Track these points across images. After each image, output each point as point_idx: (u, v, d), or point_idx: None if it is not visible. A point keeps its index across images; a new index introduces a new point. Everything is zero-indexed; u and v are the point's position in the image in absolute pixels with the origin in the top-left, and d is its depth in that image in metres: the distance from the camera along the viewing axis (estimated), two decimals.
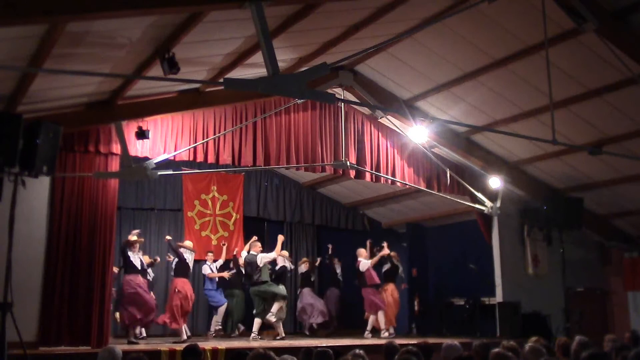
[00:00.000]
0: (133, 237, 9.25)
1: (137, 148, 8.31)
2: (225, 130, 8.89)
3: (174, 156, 8.55)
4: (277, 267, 10.81)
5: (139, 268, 9.14)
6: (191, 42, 6.46)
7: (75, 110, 7.79)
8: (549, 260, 11.45)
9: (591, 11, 6.60)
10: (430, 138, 10.19)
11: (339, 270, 12.83)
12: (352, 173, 10.07)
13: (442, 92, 9.48)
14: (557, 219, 10.53)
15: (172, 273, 10.08)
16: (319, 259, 13.27)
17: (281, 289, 10.38)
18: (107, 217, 8.14)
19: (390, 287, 11.77)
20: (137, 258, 9.16)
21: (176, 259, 10.00)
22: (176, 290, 9.67)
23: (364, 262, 11.42)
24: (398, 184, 10.67)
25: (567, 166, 10.55)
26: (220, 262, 11.49)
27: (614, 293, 12.25)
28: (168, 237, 10.52)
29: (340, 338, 10.70)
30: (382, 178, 10.38)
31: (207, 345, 8.02)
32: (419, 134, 9.89)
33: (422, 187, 10.80)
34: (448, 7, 7.35)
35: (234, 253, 11.66)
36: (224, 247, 11.79)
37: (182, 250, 10.02)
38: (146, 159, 8.31)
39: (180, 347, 7.02)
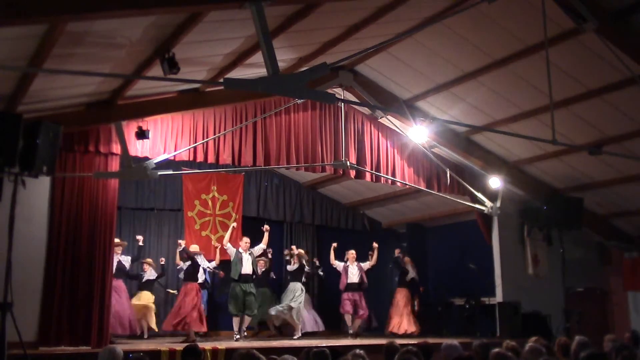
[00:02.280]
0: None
1: (137, 148, 8.30)
2: (225, 130, 8.89)
3: (174, 156, 8.54)
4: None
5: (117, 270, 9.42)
6: (191, 42, 6.46)
7: (75, 110, 7.79)
8: (549, 260, 11.44)
9: (591, 11, 6.59)
10: (430, 138, 10.19)
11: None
12: (352, 173, 10.07)
13: (442, 92, 9.48)
14: (557, 219, 10.53)
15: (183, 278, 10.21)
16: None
17: None
18: (107, 217, 8.14)
19: (399, 291, 11.96)
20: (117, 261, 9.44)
21: (188, 264, 10.12)
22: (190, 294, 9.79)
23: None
24: (398, 184, 10.67)
25: (567, 166, 10.54)
26: (214, 263, 11.23)
27: (613, 293, 12.24)
28: (181, 243, 10.64)
29: (340, 338, 10.70)
30: (382, 178, 10.37)
31: (207, 345, 8.02)
32: (419, 134, 9.88)
33: (422, 187, 10.80)
34: (448, 7, 7.35)
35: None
36: (217, 249, 11.35)
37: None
38: (146, 159, 8.31)
39: (180, 347, 7.02)
